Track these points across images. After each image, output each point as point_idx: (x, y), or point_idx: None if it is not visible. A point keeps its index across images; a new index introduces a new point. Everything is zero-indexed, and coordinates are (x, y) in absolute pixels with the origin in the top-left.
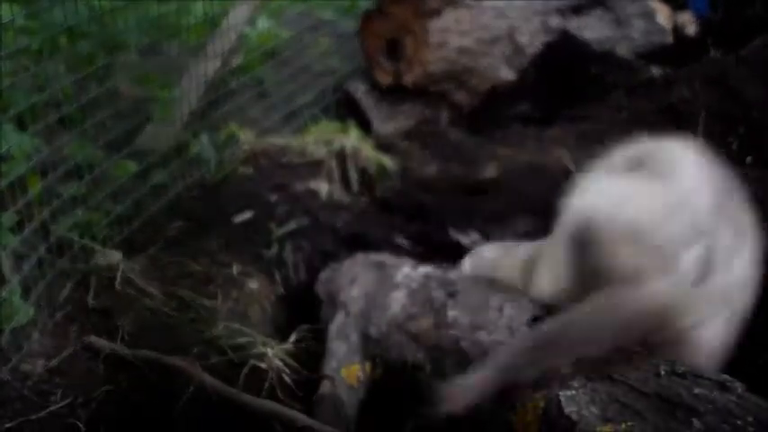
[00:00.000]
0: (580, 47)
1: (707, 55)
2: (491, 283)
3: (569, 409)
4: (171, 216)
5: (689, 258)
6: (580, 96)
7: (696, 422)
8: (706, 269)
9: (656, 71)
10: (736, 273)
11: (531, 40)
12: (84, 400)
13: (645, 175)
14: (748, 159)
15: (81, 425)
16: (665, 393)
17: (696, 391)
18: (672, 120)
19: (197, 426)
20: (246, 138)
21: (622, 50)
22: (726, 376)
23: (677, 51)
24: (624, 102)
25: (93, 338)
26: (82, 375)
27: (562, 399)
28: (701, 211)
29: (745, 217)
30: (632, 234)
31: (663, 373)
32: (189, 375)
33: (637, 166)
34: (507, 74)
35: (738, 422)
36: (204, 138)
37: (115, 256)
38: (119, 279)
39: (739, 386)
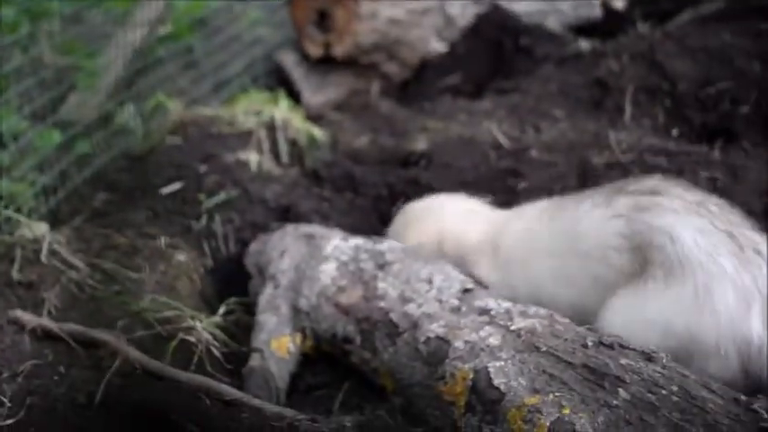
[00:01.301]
0: (510, 19)
1: (634, 29)
2: (421, 255)
3: (498, 380)
4: (96, 187)
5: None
6: (510, 69)
7: (622, 392)
8: None
9: (584, 44)
10: None
11: (462, 11)
12: (10, 375)
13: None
14: (674, 132)
15: (6, 400)
16: (593, 364)
17: (622, 361)
18: (600, 92)
19: (124, 400)
20: (175, 108)
21: (552, 23)
22: (651, 347)
23: (605, 25)
24: (553, 74)
25: (19, 312)
26: (7, 349)
27: (491, 370)
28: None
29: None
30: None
31: (590, 344)
32: (115, 349)
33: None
34: (438, 46)
35: (663, 392)
36: (130, 107)
37: (41, 227)
38: (44, 251)
39: (664, 357)
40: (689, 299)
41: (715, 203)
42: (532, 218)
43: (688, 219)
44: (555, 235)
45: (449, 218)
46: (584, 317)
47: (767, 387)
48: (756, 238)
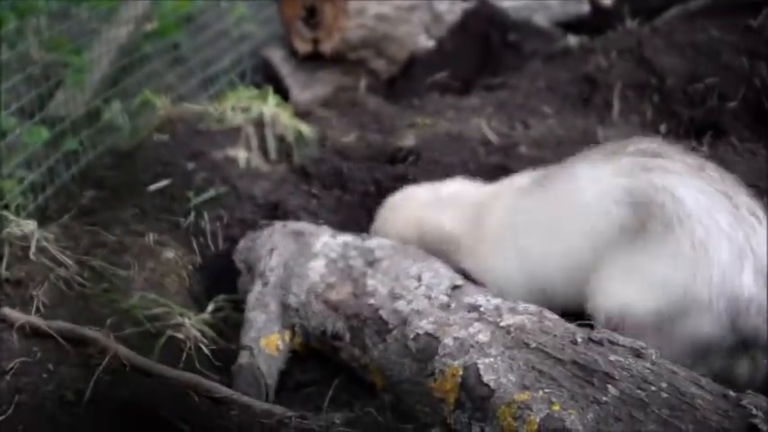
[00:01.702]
0: (498, 15)
1: (622, 25)
2: (411, 251)
3: (488, 377)
4: (84, 184)
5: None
6: (498, 65)
7: (612, 388)
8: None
9: (572, 40)
10: None
11: (450, 7)
12: None
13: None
14: (662, 128)
15: None
16: (582, 360)
17: (612, 358)
18: (588, 89)
19: (113, 397)
20: (162, 104)
21: (539, 19)
22: (640, 343)
23: (593, 21)
24: (541, 71)
25: (7, 309)
26: None
27: (480, 367)
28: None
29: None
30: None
31: (579, 340)
32: (104, 346)
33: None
34: (426, 42)
35: (652, 388)
36: (117, 104)
37: (29, 225)
38: (33, 249)
39: (653, 353)
40: (686, 253)
41: (714, 169)
42: (518, 191)
43: (690, 180)
44: (548, 199)
45: (425, 208)
46: (577, 278)
47: (753, 344)
48: (752, 202)
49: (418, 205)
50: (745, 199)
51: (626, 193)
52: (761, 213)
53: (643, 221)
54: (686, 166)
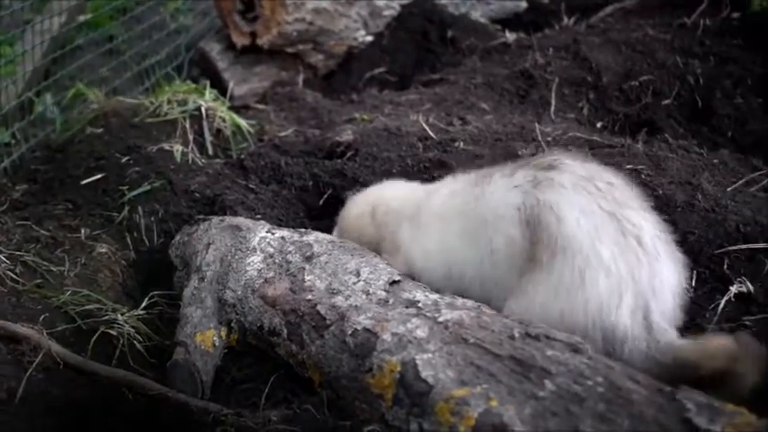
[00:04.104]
0: (436, 10)
1: (559, 22)
2: (349, 246)
3: (426, 372)
4: (16, 178)
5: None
6: (436, 60)
7: (549, 383)
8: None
9: (510, 37)
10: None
11: (388, 2)
12: None
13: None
14: (599, 124)
15: None
16: (519, 356)
17: (549, 353)
18: (526, 85)
19: (46, 395)
20: (96, 97)
21: (477, 15)
22: (577, 338)
23: (531, 18)
24: (479, 67)
25: None
26: None
27: (419, 362)
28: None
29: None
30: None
31: (517, 335)
32: (37, 344)
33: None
34: (364, 37)
35: (589, 383)
36: (48, 97)
37: None
38: None
39: (589, 348)
40: (565, 283)
41: (606, 180)
42: (457, 184)
43: (574, 197)
44: (471, 199)
45: (384, 190)
46: (488, 286)
47: None
48: (640, 221)
49: (380, 190)
50: (633, 219)
51: (517, 210)
52: (646, 236)
53: (534, 244)
54: (573, 178)
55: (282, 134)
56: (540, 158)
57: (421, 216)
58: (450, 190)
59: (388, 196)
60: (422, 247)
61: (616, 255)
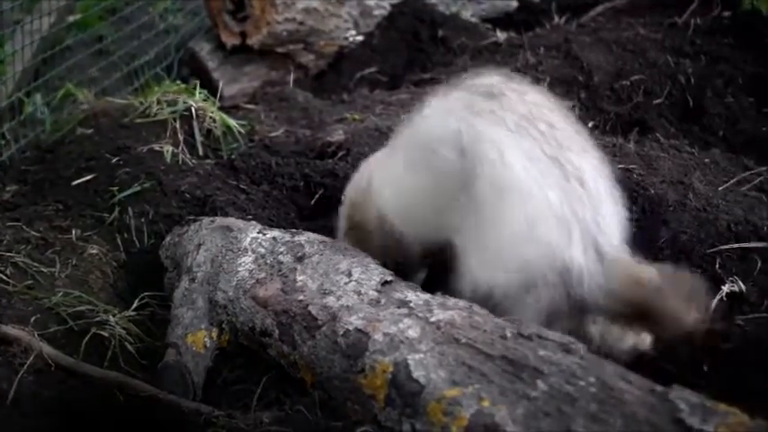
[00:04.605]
0: (426, 10)
1: (550, 21)
2: (341, 246)
3: (418, 373)
4: (6, 179)
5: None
6: (427, 60)
7: (541, 383)
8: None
9: (501, 36)
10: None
11: (379, 2)
12: None
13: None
14: (590, 124)
15: None
16: (511, 355)
17: (541, 352)
18: None
19: (37, 397)
20: (85, 97)
21: (468, 14)
22: (569, 338)
23: (522, 17)
24: (470, 66)
25: None
26: None
27: (410, 363)
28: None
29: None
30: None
31: (509, 335)
32: (28, 345)
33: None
34: (355, 36)
35: (581, 383)
36: (38, 97)
37: None
38: None
39: (582, 348)
40: (520, 230)
41: (546, 120)
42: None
43: (519, 140)
44: (405, 135)
45: (373, 162)
46: (431, 218)
47: (590, 309)
48: (581, 163)
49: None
50: (574, 162)
51: (453, 137)
52: (588, 176)
53: (472, 173)
54: (516, 118)
55: (273, 134)
56: (477, 80)
57: (374, 172)
58: (393, 139)
59: (377, 165)
60: (381, 200)
61: (562, 199)
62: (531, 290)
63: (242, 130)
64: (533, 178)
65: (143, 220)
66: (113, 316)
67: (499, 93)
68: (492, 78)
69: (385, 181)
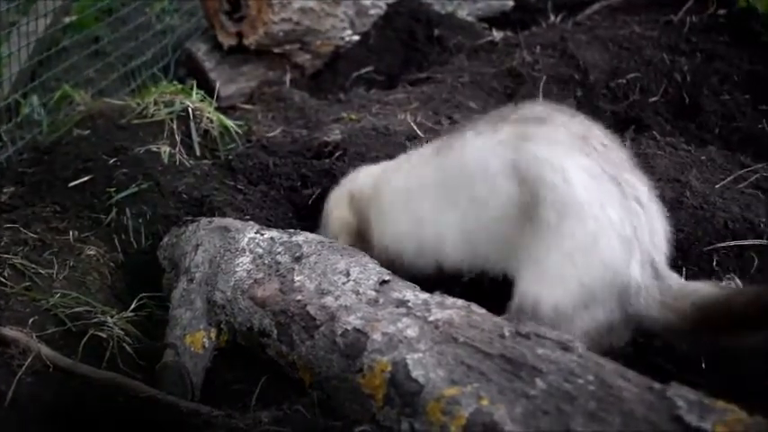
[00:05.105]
0: (422, 9)
1: (546, 20)
2: (339, 246)
3: (416, 372)
4: (3, 180)
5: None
6: (423, 59)
7: (539, 382)
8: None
9: (497, 35)
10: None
11: (375, 1)
12: None
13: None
14: None
15: None
16: (510, 354)
17: (539, 351)
18: (513, 83)
19: (36, 398)
20: (82, 99)
21: (464, 14)
22: (567, 336)
23: (518, 16)
24: (466, 65)
25: None
26: None
27: (409, 362)
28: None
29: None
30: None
31: (507, 334)
32: (26, 347)
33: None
34: (351, 36)
35: (580, 381)
36: (35, 98)
37: None
38: None
39: (580, 346)
40: (581, 248)
41: (599, 140)
42: (413, 159)
43: (578, 158)
44: (440, 168)
45: (359, 177)
46: (469, 246)
47: (645, 328)
48: (636, 183)
49: (355, 176)
50: (630, 182)
51: (508, 165)
52: (642, 195)
53: (534, 200)
54: (570, 137)
55: (270, 134)
56: (521, 111)
57: (382, 196)
58: (410, 165)
59: (360, 184)
60: (391, 227)
61: (622, 216)
62: (591, 306)
63: (239, 131)
64: (595, 196)
65: (141, 220)
66: (111, 317)
67: (549, 118)
68: (538, 106)
69: (392, 222)
